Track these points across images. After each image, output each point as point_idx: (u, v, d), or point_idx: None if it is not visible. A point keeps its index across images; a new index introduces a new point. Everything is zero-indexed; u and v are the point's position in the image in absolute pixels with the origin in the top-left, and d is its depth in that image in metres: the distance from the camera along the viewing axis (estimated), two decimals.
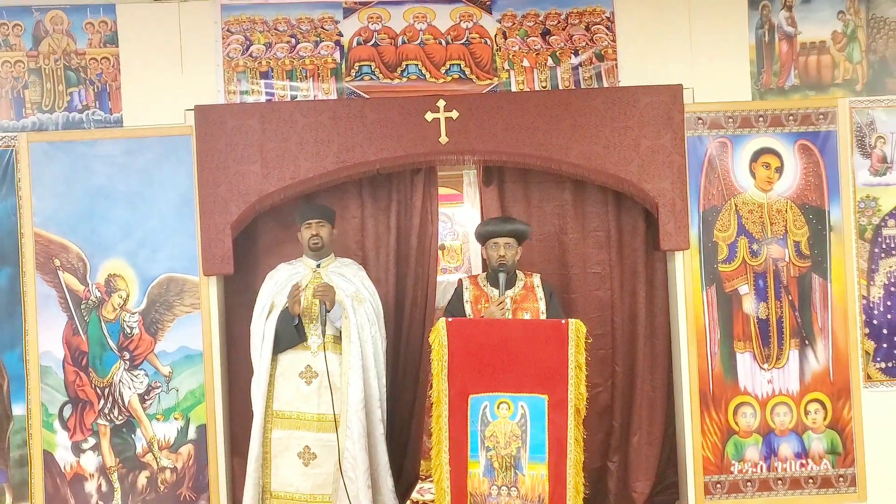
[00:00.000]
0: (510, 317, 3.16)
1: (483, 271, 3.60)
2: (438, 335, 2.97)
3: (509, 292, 3.23)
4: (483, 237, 3.35)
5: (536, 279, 3.39)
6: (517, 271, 3.37)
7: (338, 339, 3.33)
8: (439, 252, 5.68)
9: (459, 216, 6.09)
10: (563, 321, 2.96)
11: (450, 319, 3.02)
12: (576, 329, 2.94)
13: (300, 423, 3.28)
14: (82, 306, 3.59)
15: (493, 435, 2.94)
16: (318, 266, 3.45)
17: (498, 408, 2.95)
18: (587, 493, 3.10)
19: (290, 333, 3.28)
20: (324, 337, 3.28)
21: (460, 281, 3.45)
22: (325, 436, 3.24)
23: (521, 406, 2.94)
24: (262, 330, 3.32)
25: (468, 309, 3.25)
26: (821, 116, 3.70)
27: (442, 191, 4.84)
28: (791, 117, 3.70)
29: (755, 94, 3.71)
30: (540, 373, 2.93)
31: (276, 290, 3.38)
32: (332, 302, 3.26)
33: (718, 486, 3.64)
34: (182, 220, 3.59)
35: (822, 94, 3.73)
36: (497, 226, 3.33)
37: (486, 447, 2.94)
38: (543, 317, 3.23)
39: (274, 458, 3.30)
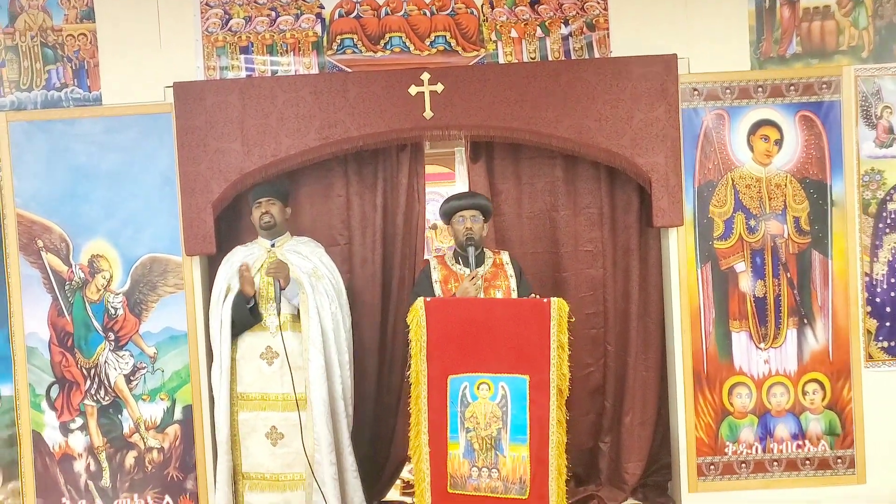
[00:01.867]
0: (482, 295, 3.08)
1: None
2: (416, 315, 2.90)
3: (479, 270, 3.14)
4: (448, 213, 3.27)
5: (505, 256, 3.31)
6: (485, 249, 3.28)
7: (296, 317, 3.27)
8: (432, 232, 5.61)
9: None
10: (545, 300, 2.88)
11: (428, 299, 2.94)
12: (558, 308, 2.86)
13: (265, 404, 3.25)
14: (66, 287, 3.57)
15: (473, 416, 2.87)
16: (273, 246, 3.38)
17: (478, 388, 2.88)
18: (570, 473, 3.04)
19: (244, 316, 3.23)
20: (280, 316, 3.22)
21: (427, 261, 3.37)
22: (291, 415, 3.19)
23: (502, 386, 2.87)
24: (220, 314, 3.27)
25: (437, 289, 3.17)
26: (824, 86, 3.54)
27: (434, 169, 4.75)
28: (792, 87, 3.54)
29: (754, 64, 3.55)
30: (521, 353, 2.85)
31: (231, 272, 3.32)
32: (286, 279, 3.19)
33: (712, 467, 3.56)
34: (164, 199, 3.53)
35: (825, 62, 3.56)
36: (461, 200, 3.27)
37: (466, 428, 2.88)
38: (515, 293, 3.15)
39: (243, 439, 3.28)
